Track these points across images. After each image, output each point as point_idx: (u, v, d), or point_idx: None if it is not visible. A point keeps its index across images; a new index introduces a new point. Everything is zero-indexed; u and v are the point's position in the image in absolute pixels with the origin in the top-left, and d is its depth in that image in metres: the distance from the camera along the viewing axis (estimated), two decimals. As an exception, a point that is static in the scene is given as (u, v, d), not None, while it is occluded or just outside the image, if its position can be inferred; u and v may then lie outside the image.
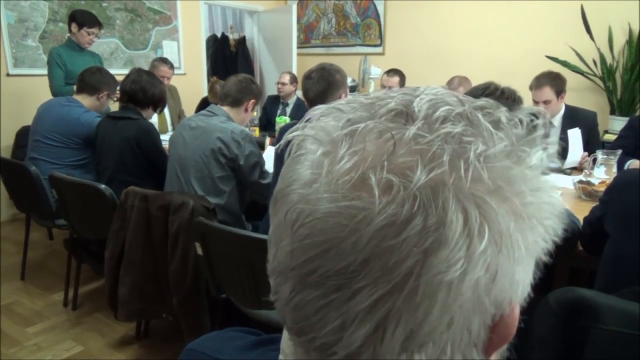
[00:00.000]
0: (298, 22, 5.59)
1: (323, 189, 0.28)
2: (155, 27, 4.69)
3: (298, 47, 5.49)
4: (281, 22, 5.42)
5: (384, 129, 0.29)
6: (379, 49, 5.27)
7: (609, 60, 3.79)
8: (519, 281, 0.30)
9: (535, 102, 2.74)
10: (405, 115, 0.30)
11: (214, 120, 2.11)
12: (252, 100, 2.24)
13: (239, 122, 2.21)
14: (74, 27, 3.23)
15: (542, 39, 4.14)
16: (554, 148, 0.32)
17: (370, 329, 0.27)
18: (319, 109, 0.33)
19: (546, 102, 2.69)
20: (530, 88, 2.72)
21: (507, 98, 1.54)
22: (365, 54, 5.10)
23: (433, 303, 0.26)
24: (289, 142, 0.33)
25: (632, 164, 2.18)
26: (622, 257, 1.33)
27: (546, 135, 0.31)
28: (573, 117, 2.77)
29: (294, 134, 0.33)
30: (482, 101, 0.32)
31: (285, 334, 0.37)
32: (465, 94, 1.56)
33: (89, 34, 3.26)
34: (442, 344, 0.28)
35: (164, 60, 3.70)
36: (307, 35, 5.85)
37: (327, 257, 0.27)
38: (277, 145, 0.34)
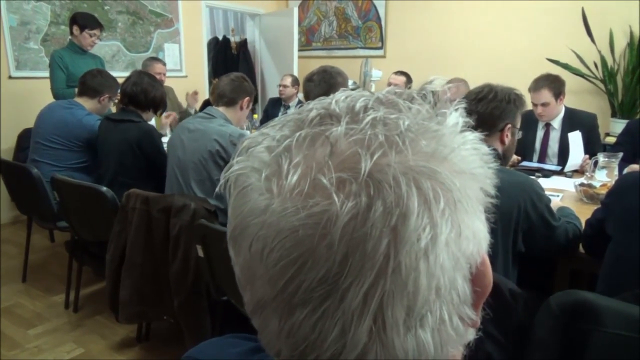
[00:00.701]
0: (299, 24, 5.60)
1: (280, 209, 0.28)
2: (156, 29, 4.70)
3: (299, 50, 5.50)
4: (282, 24, 5.43)
5: (316, 133, 0.30)
6: (380, 52, 5.28)
7: (610, 62, 3.79)
8: (479, 230, 0.32)
9: (534, 105, 2.73)
10: (329, 116, 0.31)
11: (212, 123, 2.12)
12: (247, 99, 2.25)
13: (235, 121, 2.22)
14: (75, 29, 3.24)
15: (543, 41, 4.14)
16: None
17: (371, 322, 0.28)
18: (248, 138, 0.34)
19: (544, 105, 2.69)
20: (529, 90, 2.72)
21: (501, 100, 1.51)
22: (367, 57, 5.11)
23: (418, 274, 0.28)
24: (226, 181, 0.34)
25: (630, 168, 2.18)
26: (624, 260, 1.33)
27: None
28: (573, 119, 2.77)
29: (230, 172, 0.33)
30: (390, 89, 0.34)
31: None
32: (462, 99, 1.56)
33: (90, 36, 3.27)
34: (438, 311, 0.29)
35: (156, 59, 3.71)
36: (309, 38, 5.86)
37: (306, 270, 0.27)
38: (218, 186, 0.34)
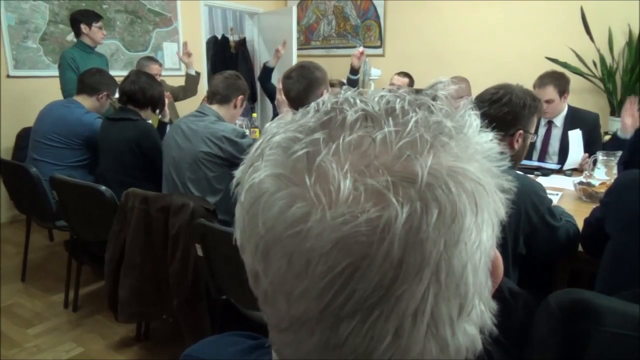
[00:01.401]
0: (298, 23, 5.59)
1: (330, 217, 0.27)
2: (155, 28, 4.69)
3: (298, 49, 5.49)
4: (281, 23, 5.42)
5: (362, 137, 0.29)
6: (379, 51, 5.27)
7: (609, 61, 3.79)
8: (495, 223, 0.32)
9: None
10: (369, 118, 0.30)
11: (204, 121, 2.12)
12: (241, 97, 2.24)
13: (229, 119, 2.22)
14: (84, 28, 3.21)
15: (542, 40, 4.14)
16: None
17: (426, 323, 0.28)
18: (259, 142, 0.33)
19: (549, 102, 2.69)
20: (534, 87, 2.73)
21: (516, 105, 1.48)
22: (366, 56, 5.10)
23: (467, 273, 0.29)
24: (237, 185, 0.33)
25: None
26: (623, 259, 1.33)
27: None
28: (575, 118, 2.77)
29: (247, 179, 0.32)
30: (405, 89, 0.34)
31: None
32: (475, 98, 1.54)
33: (99, 29, 3.26)
34: (478, 306, 0.31)
35: (152, 59, 3.69)
36: (308, 37, 5.85)
37: (357, 279, 0.27)
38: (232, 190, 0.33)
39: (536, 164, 2.74)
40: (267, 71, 3.58)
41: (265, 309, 0.33)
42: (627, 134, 2.46)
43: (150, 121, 2.54)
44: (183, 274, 1.83)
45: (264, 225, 0.29)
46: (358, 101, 0.32)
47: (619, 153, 2.29)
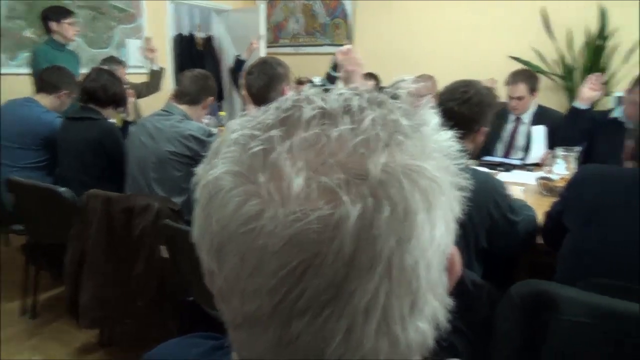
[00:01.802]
0: (267, 21, 5.56)
1: (283, 214, 0.27)
2: (118, 25, 4.57)
3: (267, 47, 5.46)
4: (249, 21, 5.38)
5: (317, 134, 0.29)
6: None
7: (569, 60, 3.92)
8: (453, 222, 0.33)
9: (510, 97, 2.85)
10: (326, 116, 0.30)
11: (169, 120, 2.08)
12: (210, 98, 2.23)
13: (195, 118, 2.19)
14: (54, 25, 3.13)
15: (506, 40, 4.24)
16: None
17: (377, 320, 0.28)
18: (218, 139, 0.33)
19: (520, 98, 2.81)
20: (506, 84, 2.85)
21: (481, 103, 1.53)
22: (335, 54, 5.11)
23: (419, 270, 0.29)
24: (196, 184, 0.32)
25: None
26: (581, 250, 1.37)
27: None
28: (543, 115, 2.87)
29: (204, 176, 0.32)
30: (365, 87, 0.35)
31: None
32: (440, 96, 1.57)
33: (70, 25, 3.18)
34: (431, 302, 0.31)
35: (115, 60, 3.58)
36: (276, 35, 5.82)
37: (310, 276, 0.27)
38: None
39: (499, 159, 2.80)
40: (239, 64, 3.55)
41: (221, 306, 0.32)
42: (584, 103, 2.59)
43: (113, 120, 2.48)
44: (147, 276, 1.79)
45: (218, 223, 0.29)
46: (317, 99, 0.32)
47: (578, 148, 2.36)
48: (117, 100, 2.41)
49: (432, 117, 0.33)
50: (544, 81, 3.96)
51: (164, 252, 1.69)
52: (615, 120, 2.61)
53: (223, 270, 0.30)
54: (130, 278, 1.82)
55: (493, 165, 2.56)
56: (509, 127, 2.93)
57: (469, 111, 1.50)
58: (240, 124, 0.33)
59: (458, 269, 0.35)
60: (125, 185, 2.18)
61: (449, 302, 0.33)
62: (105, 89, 2.32)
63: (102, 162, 2.29)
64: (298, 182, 0.27)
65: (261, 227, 0.27)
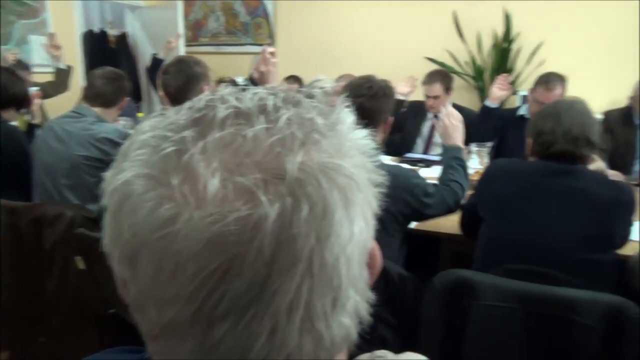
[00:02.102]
0: (185, 19, 5.38)
1: (198, 217, 0.26)
2: (19, 20, 4.20)
3: (186, 46, 5.28)
4: (166, 18, 5.17)
5: (232, 134, 0.29)
6: (273, 48, 5.27)
7: (479, 62, 4.19)
8: (372, 217, 0.33)
9: (427, 96, 3.00)
10: (240, 116, 0.30)
11: (81, 122, 1.96)
12: (126, 98, 2.13)
13: (110, 119, 2.09)
14: None
15: (423, 41, 4.44)
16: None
17: (300, 318, 0.28)
18: (127, 141, 0.32)
19: (436, 97, 2.97)
20: (423, 83, 3.00)
21: (384, 95, 1.62)
22: (257, 54, 5.07)
23: (340, 266, 0.29)
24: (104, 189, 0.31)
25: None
26: (495, 240, 1.47)
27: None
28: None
29: (112, 180, 0.30)
30: (281, 87, 0.35)
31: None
32: (350, 90, 1.62)
33: None
34: (353, 297, 0.31)
35: (23, 65, 3.28)
36: (196, 33, 5.66)
37: (230, 279, 0.26)
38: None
39: (419, 156, 2.94)
40: (157, 63, 3.40)
41: (137, 317, 0.31)
42: (494, 102, 2.86)
43: (15, 123, 2.27)
44: (62, 290, 1.67)
45: (130, 230, 0.28)
46: (231, 98, 0.31)
47: (490, 144, 2.54)
48: (19, 101, 2.21)
49: (347, 116, 0.34)
50: (457, 81, 4.19)
51: (80, 263, 1.59)
52: (522, 117, 2.84)
53: (137, 279, 0.29)
54: (43, 294, 1.69)
55: (414, 162, 2.67)
56: (428, 124, 3.09)
57: (377, 104, 1.58)
58: (151, 125, 0.32)
59: (379, 263, 0.36)
60: (32, 193, 2.01)
61: (371, 296, 0.34)
62: (5, 89, 2.12)
63: (4, 170, 2.10)
64: (214, 184, 0.27)
65: (177, 232, 0.26)
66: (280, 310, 0.27)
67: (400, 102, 3.18)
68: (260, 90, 0.33)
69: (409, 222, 1.64)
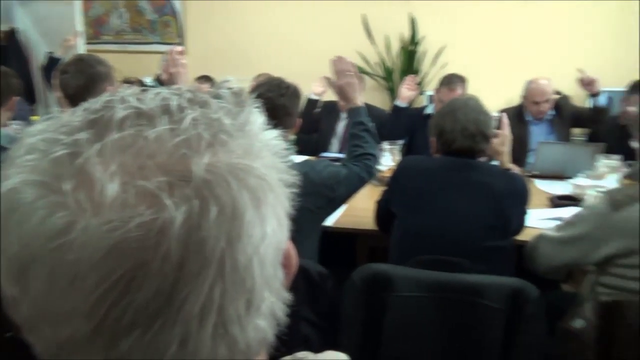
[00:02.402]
0: (84, 15, 5.03)
1: (96, 225, 0.25)
2: None
3: (87, 43, 4.93)
4: (62, 14, 4.79)
5: (132, 136, 0.27)
6: (180, 48, 5.08)
7: (388, 63, 4.36)
8: (285, 217, 0.33)
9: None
10: (141, 116, 0.28)
11: None
12: (15, 98, 1.96)
13: (2, 123, 1.90)
14: None
15: (334, 42, 4.50)
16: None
17: (213, 324, 0.27)
18: (22, 148, 0.29)
19: None
20: None
21: (294, 94, 1.63)
22: (166, 53, 4.87)
23: (253, 269, 0.28)
24: None
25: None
26: (407, 233, 1.54)
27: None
28: (369, 113, 3.12)
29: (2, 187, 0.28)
30: (187, 87, 0.34)
31: None
32: (265, 89, 1.61)
33: None
34: (268, 298, 0.31)
35: None
36: (97, 30, 5.30)
37: (134, 289, 0.25)
38: None
39: (335, 155, 2.99)
40: (52, 62, 3.14)
41: (31, 337, 0.28)
42: (404, 102, 3.01)
43: None
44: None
45: (19, 241, 0.26)
46: (131, 99, 0.30)
47: (400, 142, 2.66)
48: None
49: (257, 117, 0.33)
50: (368, 82, 4.34)
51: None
52: (429, 115, 3.00)
53: (28, 295, 0.27)
54: None
55: (330, 161, 2.71)
56: (342, 124, 3.15)
57: (289, 103, 1.58)
58: (41, 128, 0.29)
59: (294, 263, 0.36)
60: None
61: (287, 296, 0.34)
62: None
63: None
64: (112, 188, 0.25)
65: (72, 241, 0.25)
66: (191, 317, 0.26)
67: (314, 102, 3.22)
68: (163, 90, 0.32)
69: (328, 213, 1.65)
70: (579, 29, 3.96)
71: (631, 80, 2.93)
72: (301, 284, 1.21)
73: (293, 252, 0.36)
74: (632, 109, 2.56)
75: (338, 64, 1.74)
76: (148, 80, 3.39)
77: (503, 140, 1.92)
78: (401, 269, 1.32)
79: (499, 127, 1.99)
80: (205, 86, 3.76)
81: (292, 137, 1.69)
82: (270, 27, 4.73)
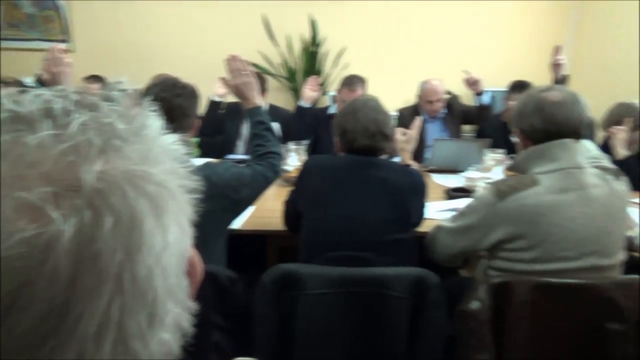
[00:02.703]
0: (-53, 7, 4.43)
1: None
2: None
3: (-48, 39, 4.36)
4: None
5: (9, 142, 0.25)
6: (65, 45, 4.67)
7: (291, 64, 4.39)
8: (188, 224, 0.32)
9: None
10: (22, 120, 0.26)
11: None
12: None
13: None
14: None
15: (235, 42, 4.44)
16: None
17: (112, 341, 0.26)
18: None
19: None
20: None
21: (193, 94, 1.57)
22: (48, 50, 4.45)
23: (154, 280, 0.27)
24: None
25: None
26: (315, 230, 1.56)
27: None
28: (274, 114, 3.11)
29: None
30: (74, 88, 0.32)
31: None
32: (160, 89, 1.52)
33: None
34: (172, 310, 0.30)
35: None
36: (-36, 25, 4.70)
37: (18, 310, 0.23)
38: None
39: (241, 157, 2.95)
40: None
41: None
42: (307, 102, 3.06)
43: None
44: None
45: None
46: (7, 101, 0.27)
47: (306, 142, 2.68)
48: None
49: (154, 121, 0.32)
50: (272, 82, 4.34)
51: None
52: (332, 115, 3.07)
53: None
54: None
55: (237, 163, 2.66)
56: (247, 126, 3.11)
57: (186, 103, 1.52)
58: None
59: (198, 270, 0.35)
60: None
61: (193, 306, 0.33)
62: None
63: None
64: None
65: None
66: (86, 337, 0.25)
67: (216, 104, 3.14)
68: (45, 92, 0.29)
69: (234, 216, 1.59)
70: (466, 32, 4.32)
71: (511, 81, 3.26)
72: (209, 291, 1.17)
73: (197, 260, 0.35)
74: (513, 103, 2.85)
75: (232, 63, 1.69)
76: (28, 80, 3.08)
77: (409, 139, 2.06)
78: (310, 267, 1.33)
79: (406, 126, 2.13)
80: (95, 87, 3.50)
81: (192, 139, 1.60)
82: (167, 25, 4.53)
